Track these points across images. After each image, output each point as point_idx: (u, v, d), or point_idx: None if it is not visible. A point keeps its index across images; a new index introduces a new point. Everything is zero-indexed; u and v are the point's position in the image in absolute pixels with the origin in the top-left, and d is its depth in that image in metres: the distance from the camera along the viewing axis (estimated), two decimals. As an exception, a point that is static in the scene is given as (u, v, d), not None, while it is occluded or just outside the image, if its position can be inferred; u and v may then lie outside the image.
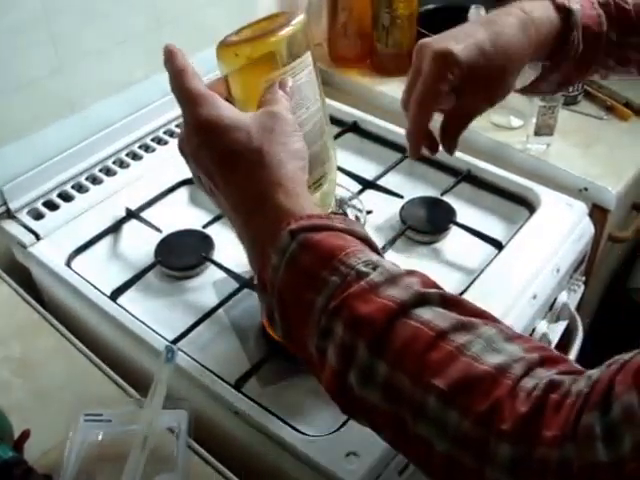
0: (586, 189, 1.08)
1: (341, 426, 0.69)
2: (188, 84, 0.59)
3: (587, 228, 0.98)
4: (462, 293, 0.83)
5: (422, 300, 0.48)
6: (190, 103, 0.58)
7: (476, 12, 1.13)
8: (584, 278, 1.05)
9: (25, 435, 0.67)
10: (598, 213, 1.09)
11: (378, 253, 0.53)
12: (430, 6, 1.35)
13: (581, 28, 0.70)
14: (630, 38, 0.72)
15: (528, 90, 0.77)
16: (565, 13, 0.70)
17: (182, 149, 0.61)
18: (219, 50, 0.62)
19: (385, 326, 0.47)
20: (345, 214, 0.76)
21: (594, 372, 0.43)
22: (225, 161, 0.56)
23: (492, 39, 0.67)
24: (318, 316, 0.49)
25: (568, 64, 0.72)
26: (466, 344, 0.45)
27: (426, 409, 0.44)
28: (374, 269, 0.49)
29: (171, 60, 0.60)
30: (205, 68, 1.11)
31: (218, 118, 0.56)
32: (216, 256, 0.89)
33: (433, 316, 0.47)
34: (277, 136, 0.56)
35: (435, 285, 0.50)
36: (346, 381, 0.48)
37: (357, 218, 0.74)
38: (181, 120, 1.14)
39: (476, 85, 0.68)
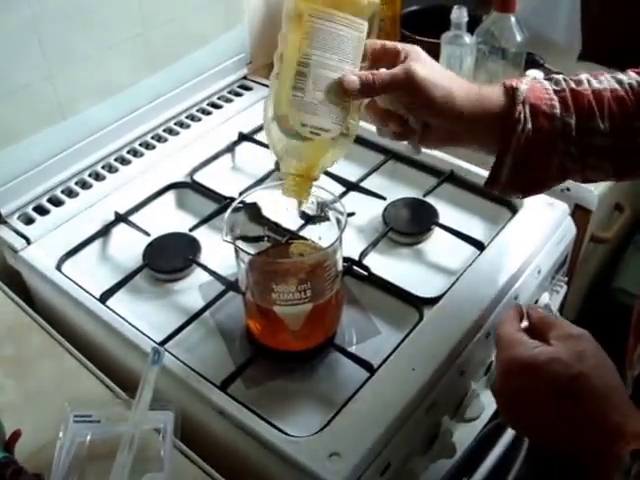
0: (568, 189, 1.08)
1: (324, 427, 0.70)
2: (502, 331, 0.65)
3: (569, 228, 0.99)
4: (444, 294, 0.84)
5: None
6: (503, 348, 0.63)
7: (459, 13, 1.14)
8: (566, 279, 1.06)
9: (16, 435, 0.68)
10: (580, 213, 1.10)
11: None
12: (413, 7, 1.36)
13: (529, 106, 0.68)
14: (592, 123, 0.68)
15: (490, 184, 0.73)
16: (511, 91, 0.69)
17: (497, 393, 0.63)
18: None
19: None
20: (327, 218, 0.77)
21: None
22: (552, 394, 0.58)
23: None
24: None
25: (519, 144, 0.69)
26: None
27: None
28: None
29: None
30: (192, 71, 1.14)
31: (532, 357, 0.60)
32: (202, 259, 0.91)
33: None
34: (590, 358, 0.59)
35: None
36: None
37: (338, 221, 0.76)
38: (169, 124, 1.17)
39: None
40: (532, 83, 0.70)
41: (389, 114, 0.72)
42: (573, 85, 0.70)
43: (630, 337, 0.71)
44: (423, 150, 0.76)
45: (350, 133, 0.70)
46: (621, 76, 0.71)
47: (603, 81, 0.70)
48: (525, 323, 0.67)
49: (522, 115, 0.68)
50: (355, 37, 0.67)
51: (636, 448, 0.52)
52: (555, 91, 0.70)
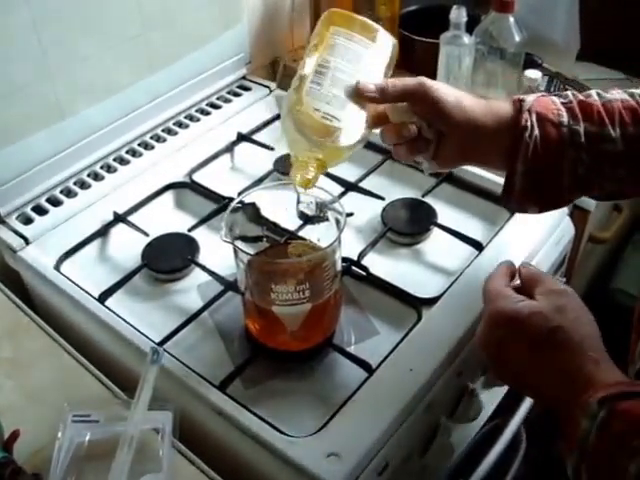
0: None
1: (322, 427, 0.70)
2: (489, 285, 0.68)
3: (567, 229, 0.99)
4: (443, 294, 0.84)
5: None
6: (488, 301, 0.66)
7: (457, 13, 1.14)
8: (565, 279, 1.06)
9: (15, 435, 0.68)
10: (578, 214, 1.10)
11: None
12: (411, 7, 1.36)
13: (535, 114, 0.70)
14: (602, 131, 0.69)
15: (506, 193, 0.73)
16: (518, 102, 0.71)
17: (482, 344, 0.66)
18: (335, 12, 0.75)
19: None
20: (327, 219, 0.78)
21: None
22: (532, 346, 0.61)
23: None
24: None
25: (528, 150, 0.69)
26: None
27: None
28: None
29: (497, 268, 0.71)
30: (191, 71, 1.14)
31: (514, 311, 0.62)
32: (201, 259, 0.91)
33: None
34: (570, 312, 0.62)
35: None
36: None
37: (337, 221, 0.76)
38: (168, 124, 1.17)
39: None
40: (538, 96, 0.72)
41: (403, 125, 0.73)
42: (581, 97, 0.71)
43: (632, 333, 0.72)
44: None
45: (361, 138, 0.72)
46: (632, 90, 0.72)
47: (614, 94, 0.71)
48: (517, 282, 0.69)
49: (529, 122, 0.69)
50: (372, 57, 0.74)
51: (604, 395, 0.54)
52: (562, 103, 0.71)
